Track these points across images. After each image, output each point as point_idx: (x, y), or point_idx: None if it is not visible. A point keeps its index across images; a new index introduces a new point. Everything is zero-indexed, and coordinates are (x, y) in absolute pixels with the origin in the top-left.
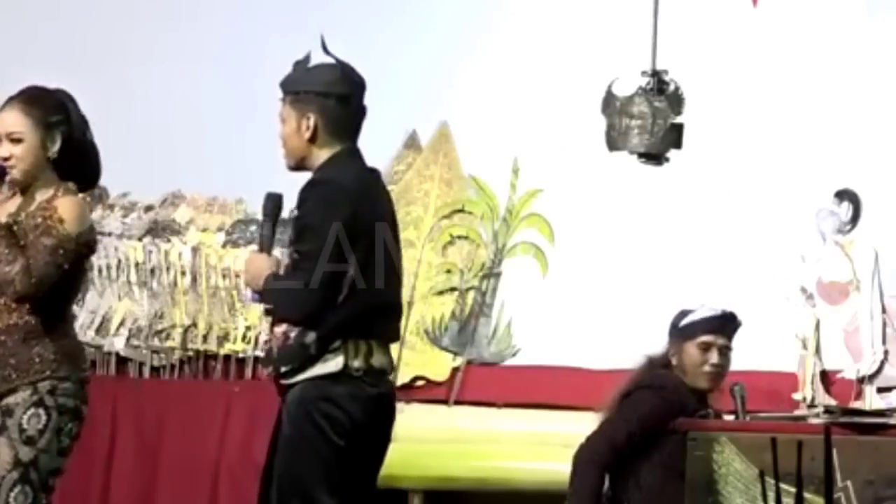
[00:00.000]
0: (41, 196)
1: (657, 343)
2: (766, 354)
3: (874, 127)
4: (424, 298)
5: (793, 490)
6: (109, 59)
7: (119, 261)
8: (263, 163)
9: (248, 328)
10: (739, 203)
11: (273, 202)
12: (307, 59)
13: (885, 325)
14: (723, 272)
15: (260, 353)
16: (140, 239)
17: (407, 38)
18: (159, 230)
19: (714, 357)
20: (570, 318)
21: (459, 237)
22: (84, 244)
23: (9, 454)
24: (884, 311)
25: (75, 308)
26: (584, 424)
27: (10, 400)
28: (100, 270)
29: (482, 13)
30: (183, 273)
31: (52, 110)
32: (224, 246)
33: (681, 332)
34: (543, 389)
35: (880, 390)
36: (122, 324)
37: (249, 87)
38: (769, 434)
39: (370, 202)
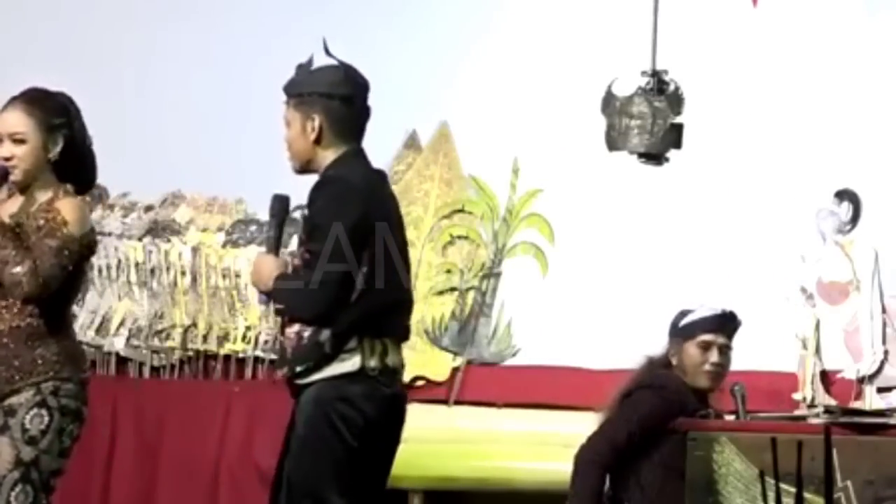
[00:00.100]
0: (41, 197)
1: (657, 343)
2: (766, 354)
3: (874, 127)
4: (424, 298)
5: (793, 490)
6: (109, 59)
7: (119, 261)
8: (263, 163)
9: (248, 328)
10: (739, 203)
11: (280, 203)
12: (310, 62)
13: (885, 325)
14: (723, 272)
15: (260, 353)
16: (140, 239)
17: (407, 38)
18: (159, 230)
19: (714, 356)
20: (570, 318)
21: (459, 237)
22: (86, 245)
23: (10, 454)
24: (884, 311)
25: (75, 308)
26: (584, 424)
27: (13, 400)
28: (100, 270)
29: (482, 13)
30: (183, 273)
31: (55, 112)
32: (224, 246)
33: (681, 331)
34: (543, 389)
35: (880, 390)
36: (122, 324)
37: (250, 87)
38: (769, 434)
39: (379, 201)
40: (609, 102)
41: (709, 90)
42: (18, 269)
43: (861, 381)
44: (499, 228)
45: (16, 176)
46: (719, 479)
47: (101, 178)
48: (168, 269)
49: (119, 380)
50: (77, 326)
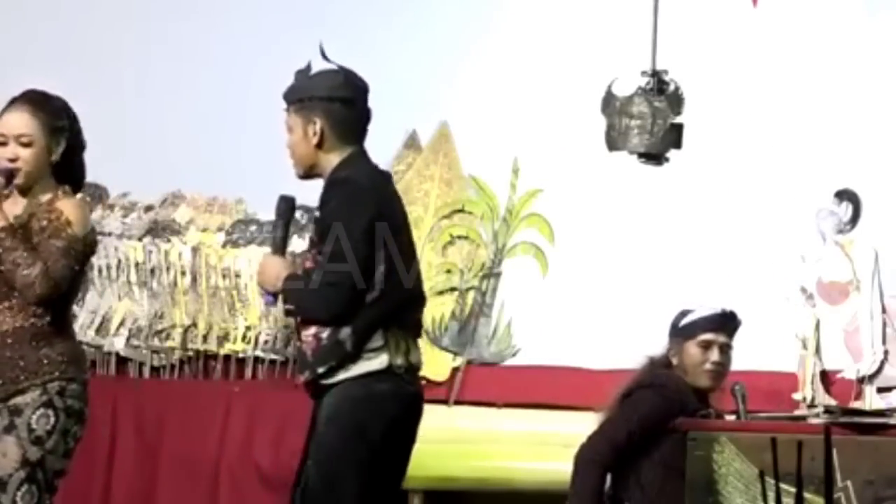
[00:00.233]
0: (42, 198)
1: (657, 343)
2: (766, 354)
3: (874, 127)
4: None
5: (793, 490)
6: (109, 59)
7: (119, 261)
8: (263, 163)
9: (248, 328)
10: (739, 203)
11: (286, 204)
12: (308, 67)
13: (885, 325)
14: (723, 272)
15: (260, 353)
16: (140, 239)
17: (407, 38)
18: (159, 230)
19: (715, 355)
20: (570, 318)
21: (459, 237)
22: (89, 245)
23: (16, 453)
24: (884, 311)
25: (75, 308)
26: (584, 424)
27: (19, 400)
28: (100, 270)
29: (482, 13)
30: (183, 273)
31: (58, 115)
32: (224, 246)
33: (681, 331)
34: (543, 389)
35: (880, 390)
36: (122, 324)
37: (250, 87)
38: (769, 434)
39: (389, 201)
40: (609, 102)
41: (709, 90)
42: (30, 270)
43: (861, 381)
44: (499, 228)
45: (20, 178)
46: (719, 479)
47: (101, 178)
48: (168, 269)
49: (119, 380)
50: (77, 326)
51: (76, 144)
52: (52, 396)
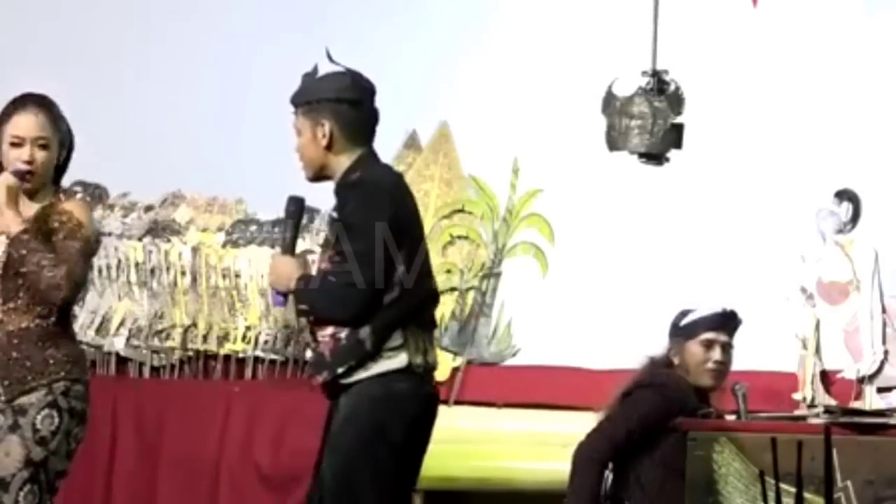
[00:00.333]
0: (47, 200)
1: (657, 343)
2: (766, 354)
3: (874, 127)
4: None
5: (793, 490)
6: (109, 59)
7: (119, 261)
8: (263, 163)
9: (248, 328)
10: (739, 203)
11: (296, 204)
12: (315, 70)
13: (885, 325)
14: (723, 272)
15: (260, 353)
16: (140, 239)
17: (407, 39)
18: (159, 230)
19: (717, 354)
20: (570, 318)
21: (459, 237)
22: (97, 246)
23: (20, 453)
24: (884, 311)
25: (75, 308)
26: (584, 424)
27: (24, 400)
28: (100, 270)
29: (482, 13)
30: (183, 273)
31: (63, 119)
32: (224, 246)
33: (682, 330)
34: (543, 389)
35: (880, 390)
36: (122, 324)
37: (250, 87)
38: (769, 434)
39: (404, 200)
40: (609, 102)
41: (709, 90)
42: (55, 272)
43: (861, 381)
44: (499, 228)
45: (33, 180)
46: (719, 479)
47: (101, 178)
48: (168, 269)
49: (119, 380)
50: (77, 326)
51: (71, 148)
52: (57, 397)
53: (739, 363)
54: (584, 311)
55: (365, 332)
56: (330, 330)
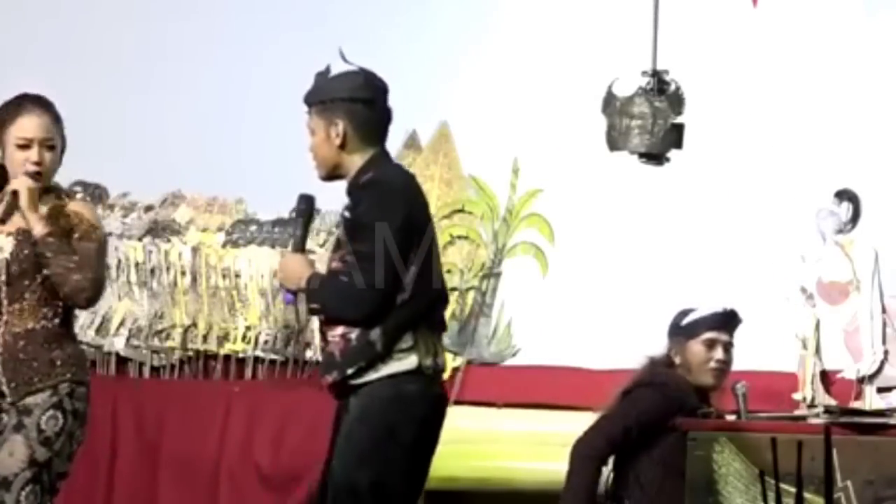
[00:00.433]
0: (49, 201)
1: (657, 343)
2: (766, 354)
3: (874, 127)
4: None
5: (793, 490)
6: (109, 59)
7: (119, 261)
8: (263, 163)
9: (248, 328)
10: (740, 203)
11: (306, 202)
12: (328, 70)
13: (885, 325)
14: (723, 272)
15: (260, 353)
16: (140, 239)
17: (407, 39)
18: (159, 230)
19: (719, 353)
20: (570, 318)
21: (459, 237)
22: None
23: (24, 453)
24: (884, 311)
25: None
26: (583, 424)
27: (29, 400)
28: None
29: (482, 13)
30: (183, 273)
31: (62, 120)
32: (224, 246)
33: (684, 330)
34: (543, 389)
35: (880, 390)
36: (122, 324)
37: (250, 87)
38: (769, 434)
39: (417, 201)
40: (610, 102)
41: (709, 90)
42: (82, 275)
43: (861, 381)
44: (499, 228)
45: (42, 181)
46: (719, 479)
47: (101, 178)
48: (168, 269)
49: (119, 380)
50: (77, 326)
51: (64, 148)
52: (62, 398)
53: (739, 363)
54: (584, 311)
55: (376, 333)
56: (340, 330)
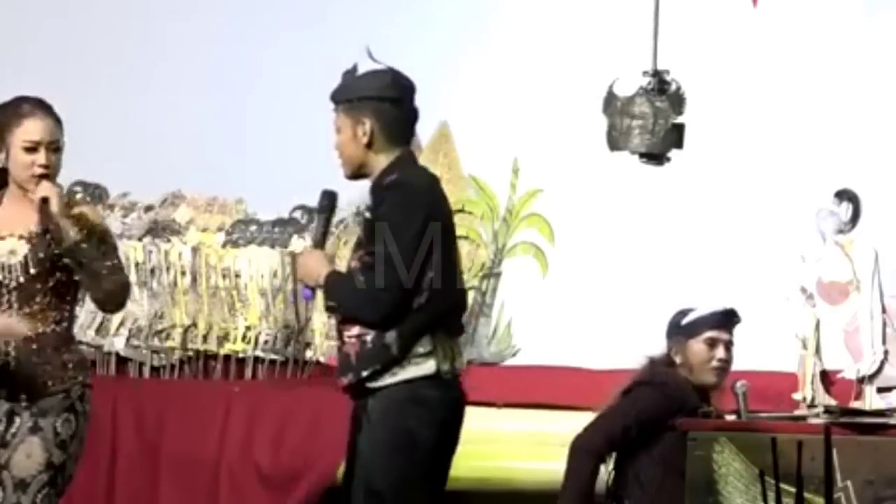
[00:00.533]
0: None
1: (657, 343)
2: (766, 354)
3: (874, 127)
4: None
5: (793, 490)
6: (109, 59)
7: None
8: (263, 163)
9: (248, 328)
10: (740, 203)
11: (328, 199)
12: (355, 68)
13: (885, 325)
14: (723, 272)
15: (260, 353)
16: (140, 239)
17: (407, 39)
18: (159, 230)
19: (721, 352)
20: (570, 318)
21: (459, 237)
22: None
23: (42, 456)
24: (884, 311)
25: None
26: (584, 424)
27: (44, 403)
28: None
29: (482, 13)
30: (183, 273)
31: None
32: (224, 246)
33: (684, 329)
34: (543, 389)
35: (880, 390)
36: (122, 324)
37: (250, 87)
38: (769, 434)
39: (439, 204)
40: (610, 102)
41: (710, 90)
42: (116, 279)
43: (861, 381)
44: (499, 228)
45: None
46: (719, 479)
47: (101, 178)
48: (168, 269)
49: (119, 380)
50: (77, 326)
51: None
52: (75, 401)
53: (739, 363)
54: (584, 311)
55: (391, 336)
56: (356, 331)
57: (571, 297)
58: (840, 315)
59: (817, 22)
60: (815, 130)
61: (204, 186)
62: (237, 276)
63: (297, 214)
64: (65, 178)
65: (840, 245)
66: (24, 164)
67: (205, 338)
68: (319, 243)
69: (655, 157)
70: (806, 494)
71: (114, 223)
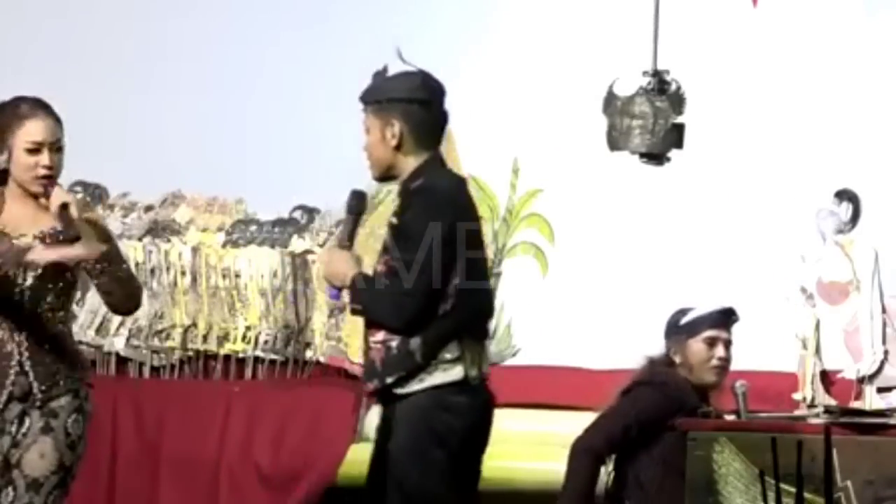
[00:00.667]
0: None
1: (657, 343)
2: (766, 354)
3: (874, 127)
4: None
5: (793, 490)
6: (109, 59)
7: None
8: (263, 163)
9: (248, 328)
10: (740, 203)
11: (358, 199)
12: (385, 69)
13: (885, 325)
14: (723, 272)
15: (260, 353)
16: (140, 239)
17: (407, 39)
18: (159, 230)
19: (720, 351)
20: (570, 318)
21: None
22: None
23: (54, 456)
24: (884, 311)
25: (75, 308)
26: (583, 424)
27: (54, 404)
28: None
29: (482, 13)
30: (183, 273)
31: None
32: (224, 246)
33: (683, 329)
34: (543, 389)
35: (880, 390)
36: (122, 324)
37: (250, 87)
38: (769, 434)
39: (466, 209)
40: (610, 102)
41: (710, 90)
42: (133, 282)
43: (861, 381)
44: (499, 228)
45: (54, 185)
46: (719, 479)
47: (101, 178)
48: (168, 269)
49: (119, 380)
50: (77, 326)
51: None
52: (83, 401)
53: (739, 363)
54: (584, 311)
55: (415, 343)
56: (381, 336)
57: (571, 297)
58: (840, 315)
59: (817, 22)
60: (815, 130)
61: (204, 186)
62: (237, 276)
63: (297, 214)
64: (65, 178)
65: (840, 245)
66: (28, 166)
67: (205, 338)
68: (346, 243)
69: (655, 157)
70: (806, 494)
71: (114, 223)
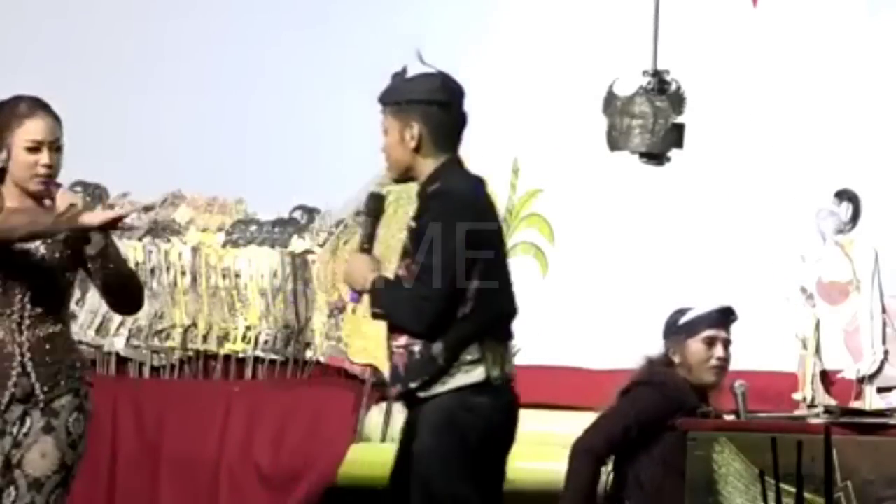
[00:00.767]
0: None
1: (657, 343)
2: (766, 354)
3: (874, 127)
4: None
5: (793, 490)
6: (109, 59)
7: None
8: (263, 163)
9: (248, 328)
10: (740, 203)
11: (376, 201)
12: (404, 70)
13: (885, 325)
14: (723, 272)
15: (260, 353)
16: (140, 239)
17: (407, 39)
18: (159, 230)
19: (719, 351)
20: (569, 318)
21: None
22: None
23: (56, 455)
24: (884, 311)
25: (75, 308)
26: (583, 424)
27: (55, 404)
28: None
29: (482, 13)
30: (183, 273)
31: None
32: (224, 246)
33: (682, 329)
34: (543, 389)
35: (880, 390)
36: (122, 324)
37: (250, 87)
38: (769, 434)
39: (485, 211)
40: (610, 102)
41: (710, 90)
42: (136, 281)
43: (861, 381)
44: None
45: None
46: (719, 479)
47: (101, 178)
48: (168, 269)
49: (119, 380)
50: (77, 326)
51: None
52: (83, 401)
53: (739, 363)
54: (584, 311)
55: (438, 347)
56: (403, 341)
57: (571, 297)
58: (840, 315)
59: (818, 22)
60: (815, 130)
61: (204, 186)
62: (237, 276)
63: (297, 214)
64: (65, 177)
65: (840, 245)
66: (28, 165)
67: (205, 338)
68: (366, 246)
69: (655, 156)
70: (806, 494)
71: None
